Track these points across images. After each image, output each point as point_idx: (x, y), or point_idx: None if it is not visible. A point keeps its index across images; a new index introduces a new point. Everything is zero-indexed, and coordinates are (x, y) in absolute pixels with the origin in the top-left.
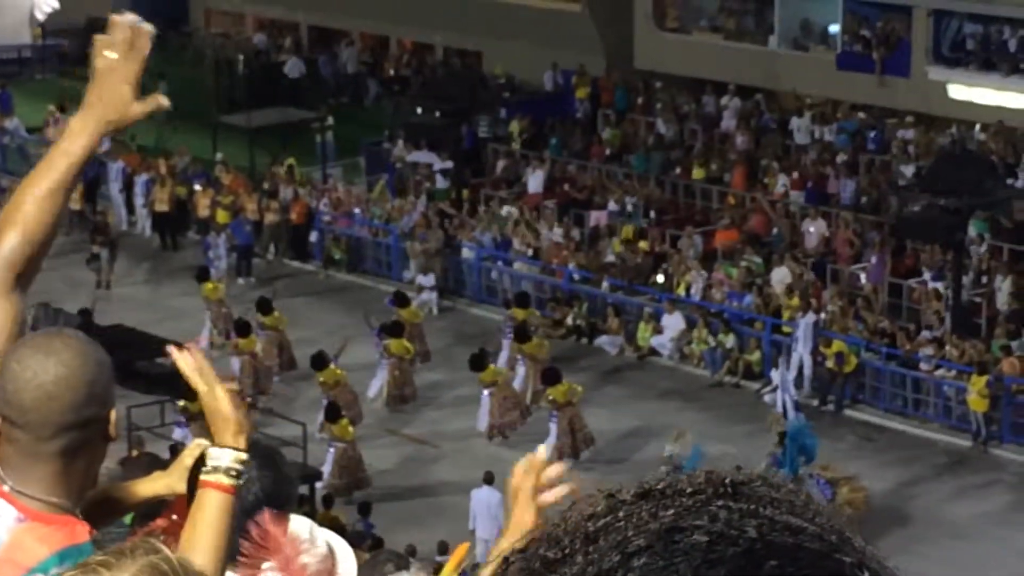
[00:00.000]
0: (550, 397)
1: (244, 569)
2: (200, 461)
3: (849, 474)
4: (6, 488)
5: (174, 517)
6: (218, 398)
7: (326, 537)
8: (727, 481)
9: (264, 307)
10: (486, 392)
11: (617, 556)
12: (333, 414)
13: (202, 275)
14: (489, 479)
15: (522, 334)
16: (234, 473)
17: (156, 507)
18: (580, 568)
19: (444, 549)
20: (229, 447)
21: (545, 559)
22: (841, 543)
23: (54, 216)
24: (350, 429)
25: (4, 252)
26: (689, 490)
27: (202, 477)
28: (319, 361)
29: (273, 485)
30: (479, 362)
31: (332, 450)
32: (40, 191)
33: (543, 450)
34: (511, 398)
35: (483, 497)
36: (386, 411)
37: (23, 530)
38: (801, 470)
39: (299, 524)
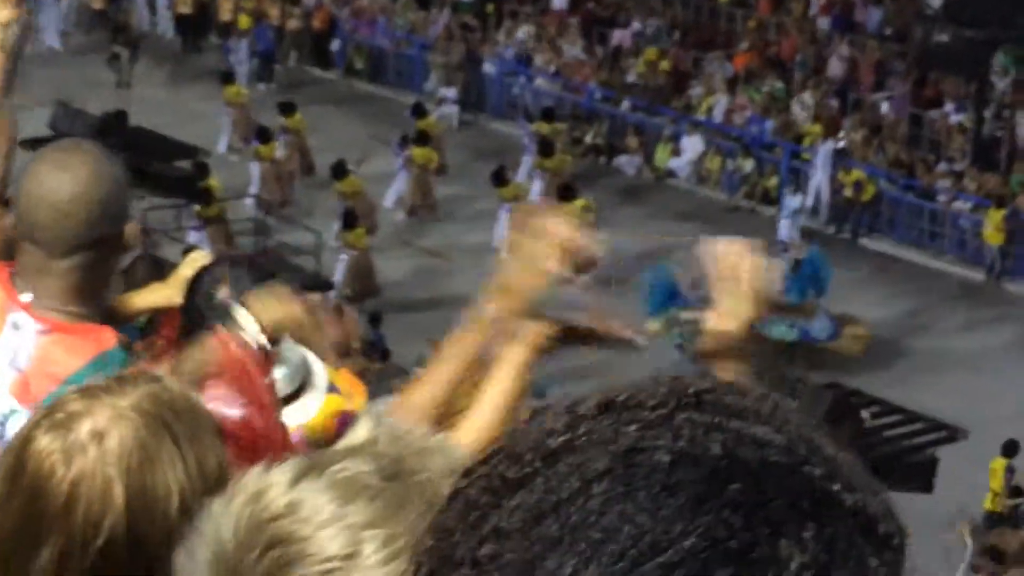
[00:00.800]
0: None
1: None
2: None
3: (854, 317)
4: (25, 299)
5: (163, 339)
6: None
7: (302, 352)
8: (691, 391)
9: (287, 109)
10: (506, 207)
11: (577, 482)
12: (350, 221)
13: (227, 78)
14: None
15: (546, 148)
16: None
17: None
18: (540, 495)
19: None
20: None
21: (505, 478)
22: (811, 453)
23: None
24: (365, 238)
25: None
26: (651, 402)
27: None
28: (339, 169)
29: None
30: (500, 177)
31: (345, 257)
32: None
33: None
34: None
35: None
36: (404, 222)
37: (50, 342)
38: (808, 301)
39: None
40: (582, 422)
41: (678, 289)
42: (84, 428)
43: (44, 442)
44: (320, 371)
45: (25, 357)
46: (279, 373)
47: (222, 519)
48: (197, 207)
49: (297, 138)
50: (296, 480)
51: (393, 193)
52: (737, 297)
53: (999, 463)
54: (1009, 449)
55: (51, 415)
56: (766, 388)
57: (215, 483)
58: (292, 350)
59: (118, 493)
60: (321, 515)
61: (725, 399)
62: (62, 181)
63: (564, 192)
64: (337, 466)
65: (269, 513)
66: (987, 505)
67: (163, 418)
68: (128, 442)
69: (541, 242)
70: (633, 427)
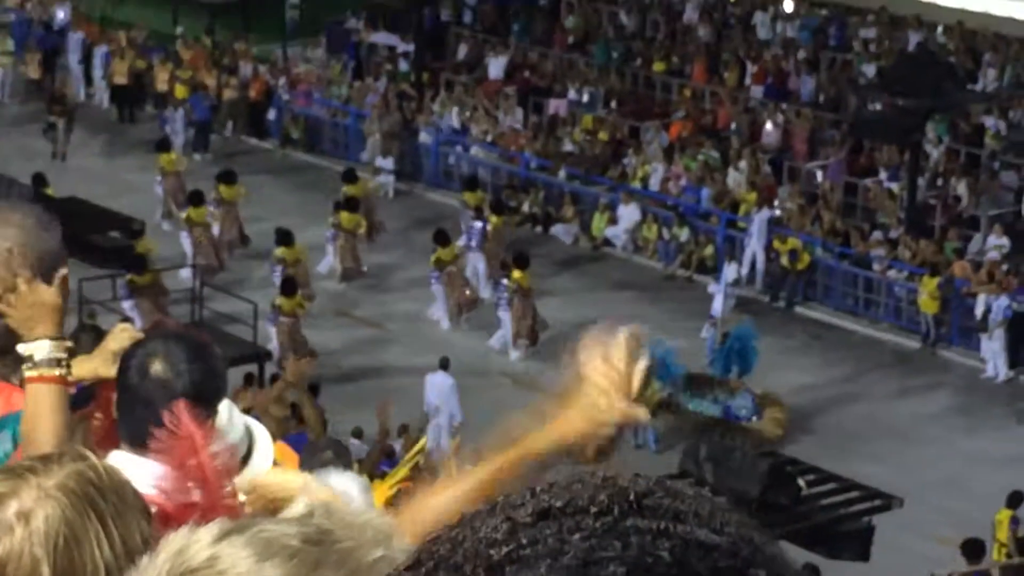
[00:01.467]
0: (511, 282)
1: (152, 455)
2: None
3: (777, 397)
4: None
5: (97, 416)
6: (37, 289)
7: (245, 420)
8: (631, 496)
9: (227, 178)
10: (436, 276)
11: None
12: (289, 288)
13: (161, 145)
14: (444, 364)
15: (498, 208)
16: (57, 362)
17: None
18: None
19: (403, 430)
20: (44, 337)
21: None
22: (753, 554)
23: None
24: (304, 305)
25: None
26: (594, 509)
27: (26, 374)
28: (284, 236)
29: (202, 378)
30: (443, 237)
31: (279, 325)
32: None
33: (499, 341)
34: (461, 279)
35: (437, 382)
36: (338, 290)
37: None
38: (732, 378)
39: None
40: (522, 530)
41: (670, 367)
42: (10, 509)
43: None
44: (264, 437)
45: None
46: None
47: (147, 571)
48: (129, 276)
49: (232, 207)
50: (219, 538)
51: (327, 261)
52: (598, 398)
53: (1004, 514)
54: (1013, 500)
55: None
56: (694, 487)
57: (140, 559)
58: (236, 419)
59: (45, 572)
60: (237, 568)
61: (664, 502)
62: (3, 231)
63: (518, 260)
64: (259, 527)
65: (188, 566)
66: (995, 556)
67: (89, 497)
68: (54, 522)
69: (612, 372)
70: (578, 536)
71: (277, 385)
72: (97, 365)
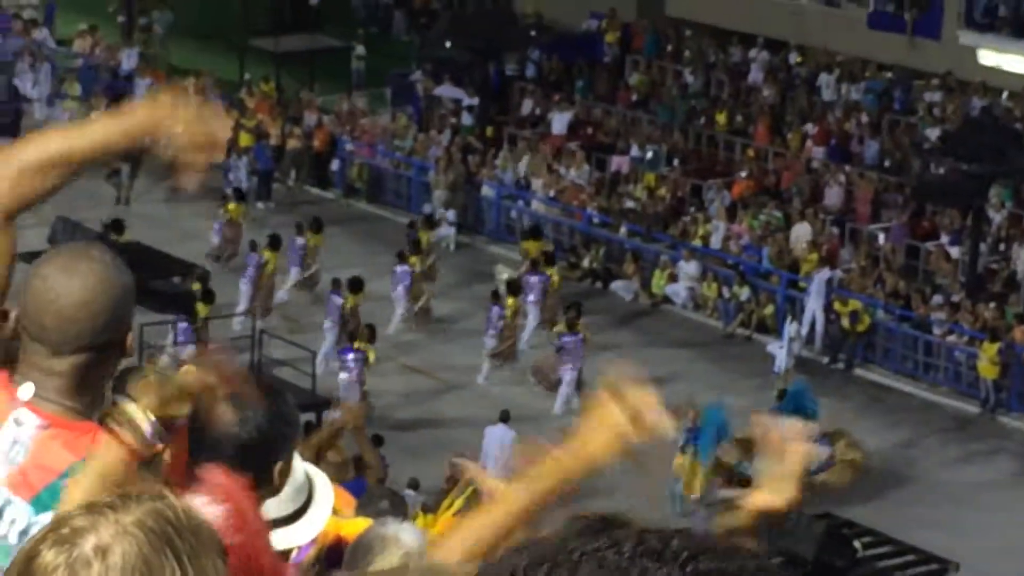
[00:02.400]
0: (580, 334)
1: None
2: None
3: (848, 432)
4: (24, 395)
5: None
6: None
7: (305, 468)
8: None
9: (315, 226)
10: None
11: None
12: (372, 336)
13: (237, 194)
14: (505, 417)
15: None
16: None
17: None
18: None
19: (415, 485)
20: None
21: None
22: None
23: (39, 189)
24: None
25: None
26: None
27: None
28: (357, 285)
29: (269, 423)
30: (516, 288)
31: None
32: (34, 161)
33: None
34: (512, 332)
35: (497, 435)
36: (398, 340)
37: (49, 436)
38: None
39: None
40: None
41: (728, 428)
42: (88, 544)
43: (49, 557)
44: (324, 485)
45: (22, 451)
46: (283, 492)
47: None
48: (196, 312)
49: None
50: None
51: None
52: (782, 478)
53: None
54: None
55: (56, 530)
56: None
57: None
58: (296, 467)
59: None
60: None
61: (713, 567)
62: (71, 287)
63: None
64: None
65: None
66: None
67: (166, 534)
68: (131, 558)
69: (625, 411)
70: None
71: (329, 427)
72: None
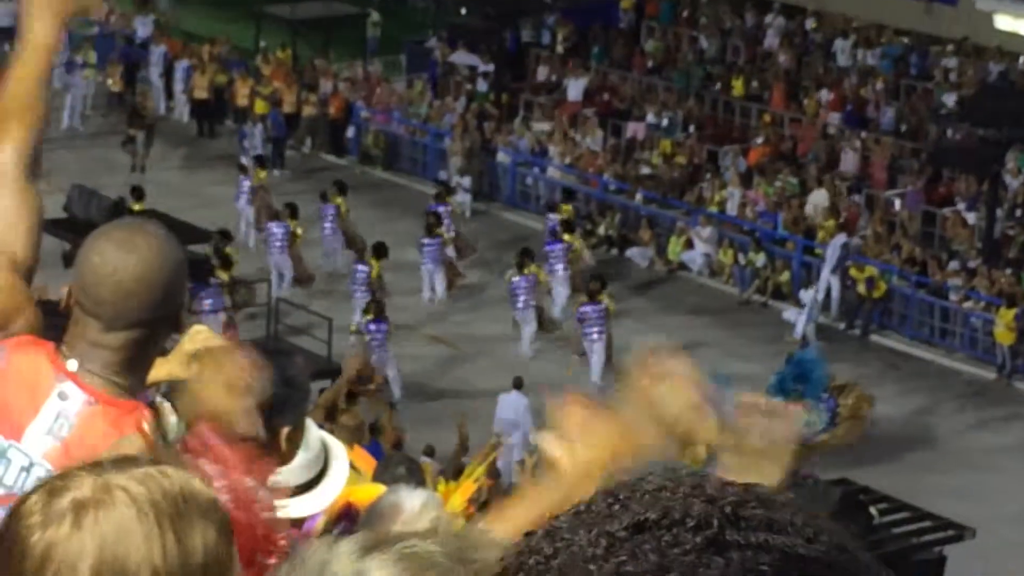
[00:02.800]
0: (603, 304)
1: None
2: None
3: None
4: (71, 367)
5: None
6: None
7: (321, 436)
8: (728, 507)
9: (341, 188)
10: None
11: None
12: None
13: (259, 161)
14: (518, 384)
15: (569, 226)
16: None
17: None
18: None
19: (430, 452)
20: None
21: None
22: (848, 563)
23: (47, 105)
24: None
25: (17, 145)
26: (691, 523)
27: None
28: (381, 249)
29: (279, 388)
30: (529, 255)
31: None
32: (32, 83)
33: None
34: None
35: (511, 401)
36: (416, 307)
37: (94, 413)
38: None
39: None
40: (619, 545)
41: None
42: (67, 498)
43: (31, 503)
44: (340, 455)
45: (67, 426)
46: (298, 460)
47: None
48: (218, 270)
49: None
50: (362, 554)
51: (426, 288)
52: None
53: None
54: None
55: (50, 482)
56: (788, 495)
57: (201, 569)
58: (311, 436)
59: (86, 564)
60: None
61: (759, 513)
62: (128, 261)
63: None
64: (403, 543)
65: None
66: None
67: (152, 500)
68: (105, 518)
69: (669, 389)
70: (678, 551)
71: (335, 387)
72: (173, 367)
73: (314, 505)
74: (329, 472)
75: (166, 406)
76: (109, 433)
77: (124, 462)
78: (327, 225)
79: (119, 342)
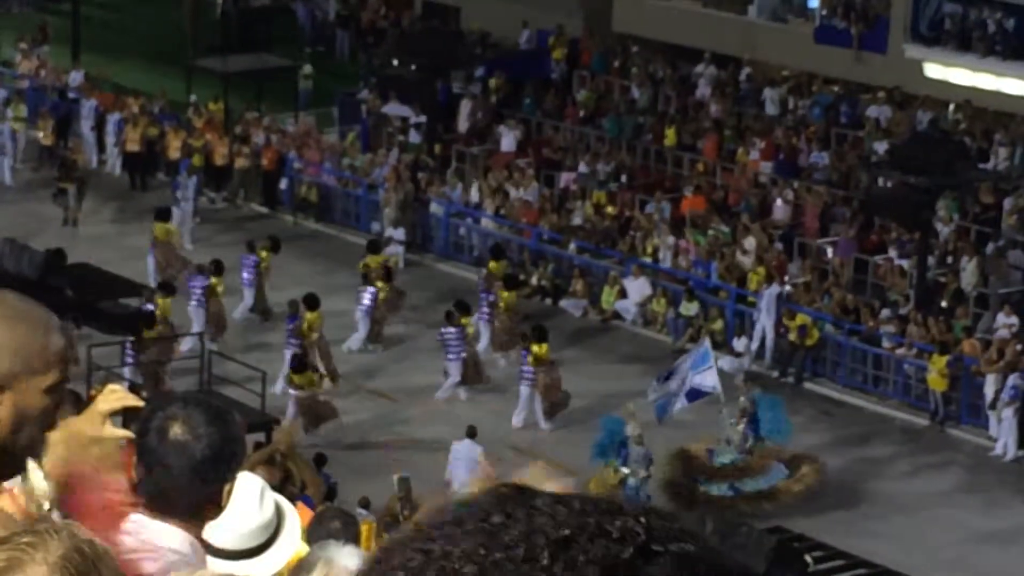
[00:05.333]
0: (530, 355)
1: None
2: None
3: (810, 455)
4: None
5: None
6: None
7: (276, 499)
8: (644, 523)
9: (276, 245)
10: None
11: None
12: (300, 366)
13: (161, 214)
14: (471, 433)
15: (512, 282)
16: None
17: None
18: None
19: (365, 504)
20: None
21: None
22: (729, 559)
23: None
24: (315, 381)
25: None
26: (616, 535)
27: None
28: (313, 301)
29: (221, 443)
30: (464, 308)
31: (294, 398)
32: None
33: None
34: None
35: (463, 450)
36: (350, 359)
37: None
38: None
39: (251, 484)
40: (555, 558)
41: (626, 443)
42: None
43: None
44: (293, 519)
45: None
46: (253, 522)
47: None
48: (139, 334)
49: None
50: None
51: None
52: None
53: None
54: None
55: None
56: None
57: None
58: (266, 499)
59: None
60: None
61: (665, 524)
62: None
63: (537, 332)
64: None
65: None
66: None
67: (86, 569)
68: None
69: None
70: (611, 561)
71: (266, 449)
72: (83, 426)
73: (267, 567)
74: (281, 534)
75: (32, 466)
76: None
77: (41, 535)
78: (245, 275)
79: None
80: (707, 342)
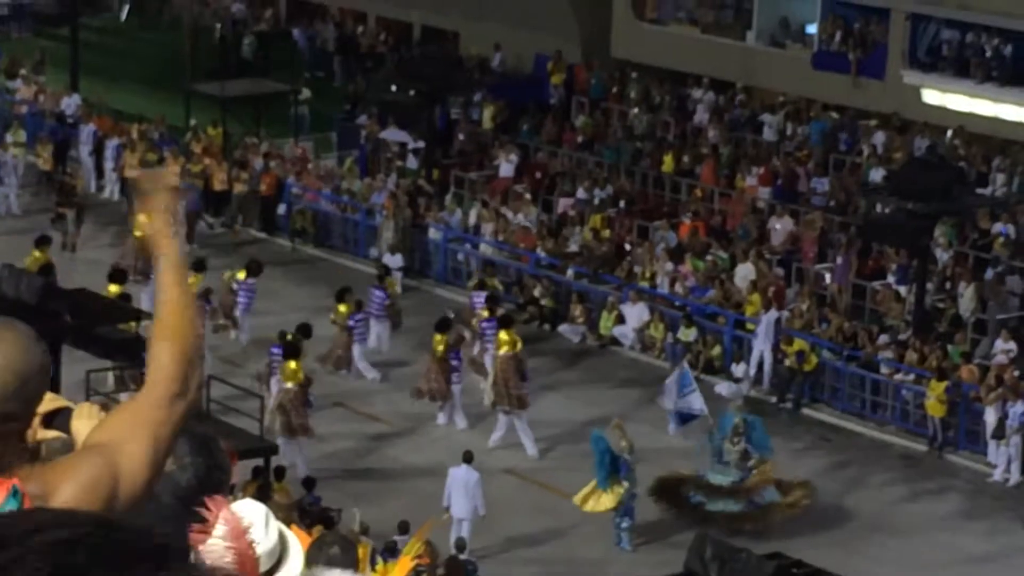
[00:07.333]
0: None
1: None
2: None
3: (801, 481)
4: None
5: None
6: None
7: (279, 528)
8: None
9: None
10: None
11: None
12: (294, 353)
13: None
14: (468, 458)
15: (507, 321)
16: None
17: None
18: None
19: (405, 528)
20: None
21: None
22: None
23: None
24: (301, 375)
25: (159, 376)
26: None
27: None
28: (306, 331)
29: (206, 471)
30: (445, 324)
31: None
32: (179, 307)
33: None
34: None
35: (460, 475)
36: (346, 383)
37: None
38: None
39: (254, 511)
40: None
41: (617, 457)
42: None
43: None
44: (296, 546)
45: None
46: (260, 550)
47: None
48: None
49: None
50: None
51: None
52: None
53: None
54: None
55: None
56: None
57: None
58: (270, 527)
59: None
60: None
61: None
62: None
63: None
64: None
65: None
66: None
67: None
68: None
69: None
70: None
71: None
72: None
73: None
74: (287, 562)
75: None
76: None
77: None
78: (241, 300)
79: None
80: (686, 364)
